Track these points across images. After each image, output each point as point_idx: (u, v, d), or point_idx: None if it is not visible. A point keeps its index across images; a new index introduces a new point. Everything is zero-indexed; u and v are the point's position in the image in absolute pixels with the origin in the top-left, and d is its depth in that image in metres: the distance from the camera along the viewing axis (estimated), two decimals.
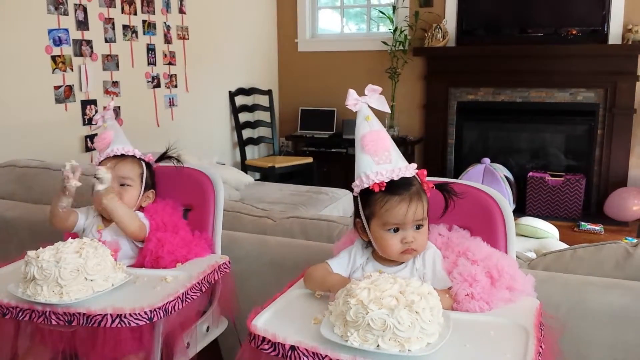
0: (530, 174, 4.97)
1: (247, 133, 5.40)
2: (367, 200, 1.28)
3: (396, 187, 1.26)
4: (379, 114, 1.32)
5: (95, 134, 1.77)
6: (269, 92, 5.47)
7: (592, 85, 4.85)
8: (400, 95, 5.33)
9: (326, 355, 1.05)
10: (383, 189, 1.25)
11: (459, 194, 1.35)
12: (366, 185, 1.27)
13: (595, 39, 4.78)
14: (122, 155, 1.69)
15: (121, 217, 1.57)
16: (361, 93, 1.32)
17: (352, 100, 1.30)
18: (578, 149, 5.09)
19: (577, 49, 4.79)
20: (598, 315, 1.42)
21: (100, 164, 1.67)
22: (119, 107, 4.01)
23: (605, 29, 4.73)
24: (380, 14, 5.48)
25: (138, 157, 1.72)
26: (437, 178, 1.42)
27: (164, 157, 1.77)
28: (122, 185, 1.66)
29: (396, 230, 1.27)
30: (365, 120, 1.31)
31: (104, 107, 1.76)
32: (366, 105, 1.30)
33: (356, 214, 1.33)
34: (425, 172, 1.33)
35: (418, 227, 1.28)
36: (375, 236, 1.29)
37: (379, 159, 1.27)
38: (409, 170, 1.29)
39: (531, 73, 4.95)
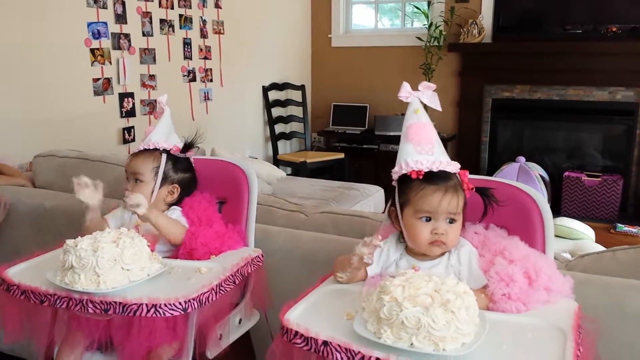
0: (566, 173, 4.88)
1: (279, 128, 5.42)
2: (404, 187, 1.30)
3: (434, 177, 1.27)
4: (440, 110, 1.34)
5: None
6: (301, 87, 5.48)
7: (631, 84, 4.73)
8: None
9: (359, 352, 1.04)
10: (421, 177, 1.27)
11: (499, 202, 1.34)
12: (404, 172, 1.29)
13: (635, 36, 4.64)
14: (145, 150, 1.67)
15: (166, 232, 1.56)
16: (395, 89, 1.34)
17: (405, 92, 1.32)
18: (616, 149, 4.97)
19: (617, 46, 4.67)
20: (638, 320, 1.38)
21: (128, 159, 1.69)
22: (156, 100, 4.05)
23: None
24: (415, 10, 5.43)
25: (160, 149, 1.67)
26: (479, 176, 1.42)
27: (187, 147, 1.74)
28: (136, 180, 1.65)
29: (428, 219, 1.27)
30: (415, 112, 1.32)
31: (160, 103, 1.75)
32: (417, 99, 1.32)
33: (392, 202, 1.34)
34: (467, 172, 1.33)
35: (451, 221, 1.27)
36: (406, 224, 1.30)
37: (421, 149, 1.29)
38: (451, 166, 1.30)
39: (569, 71, 4.84)
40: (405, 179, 1.29)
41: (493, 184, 1.39)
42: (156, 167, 1.66)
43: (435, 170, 1.27)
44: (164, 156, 1.68)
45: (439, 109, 1.32)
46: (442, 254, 1.31)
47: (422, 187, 1.27)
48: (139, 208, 1.50)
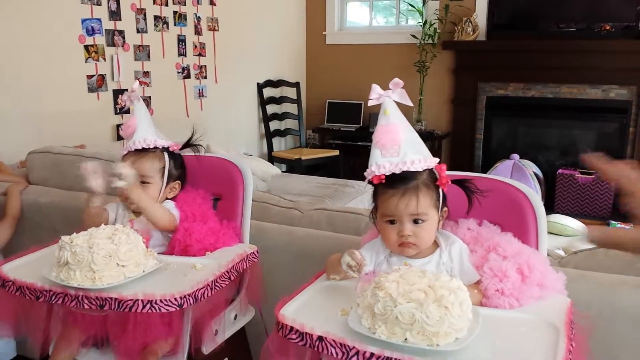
0: (560, 171, 4.90)
1: (274, 125, 5.42)
2: (375, 192, 1.33)
3: (393, 181, 1.27)
4: (406, 108, 1.31)
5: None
6: (296, 85, 5.48)
7: (625, 82, 4.76)
8: (429, 89, 5.28)
9: (354, 347, 1.05)
10: (383, 181, 1.27)
11: (481, 192, 1.34)
12: (369, 176, 1.30)
13: (628, 34, 4.67)
14: (144, 149, 1.65)
15: (149, 211, 1.57)
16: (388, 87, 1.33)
17: (376, 94, 1.31)
18: (609, 147, 4.98)
19: (611, 44, 4.69)
20: (630, 315, 1.40)
21: (122, 158, 1.65)
22: (150, 97, 4.06)
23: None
24: (410, 7, 5.44)
25: (160, 148, 1.67)
26: (461, 172, 1.41)
27: (188, 144, 1.75)
28: (142, 182, 1.63)
29: (393, 222, 1.29)
30: (384, 114, 1.31)
31: (130, 90, 1.68)
32: (389, 99, 1.30)
33: (371, 203, 1.37)
34: (444, 166, 1.32)
35: (417, 221, 1.27)
36: (379, 227, 1.33)
37: (386, 152, 1.28)
38: (421, 164, 1.27)
39: (563, 69, 4.86)
40: (374, 183, 1.30)
41: (487, 182, 1.40)
42: (162, 167, 1.67)
43: (397, 172, 1.26)
44: (166, 155, 1.68)
45: (410, 104, 1.29)
46: (432, 251, 1.32)
47: (384, 192, 1.28)
48: (122, 181, 1.50)
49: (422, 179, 1.28)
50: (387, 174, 1.26)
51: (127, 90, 3.76)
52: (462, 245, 1.33)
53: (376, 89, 1.31)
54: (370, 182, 1.31)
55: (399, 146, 1.28)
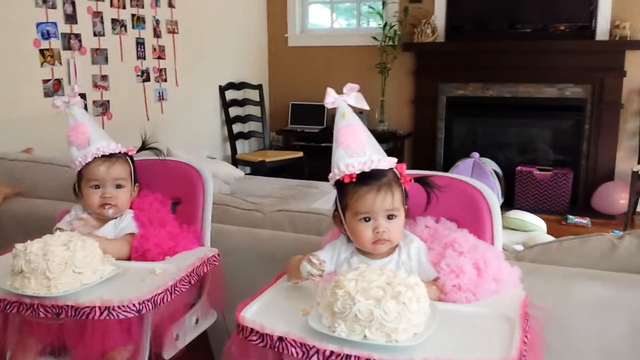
0: (519, 168, 5.01)
1: (237, 127, 5.39)
2: (342, 192, 1.32)
3: (366, 178, 1.28)
4: (368, 108, 1.34)
5: None
6: (259, 87, 5.46)
7: (579, 81, 4.89)
8: (390, 90, 5.34)
9: (313, 346, 1.06)
10: (354, 180, 1.28)
11: (440, 187, 1.36)
12: (338, 177, 1.31)
13: (583, 35, 4.81)
14: (111, 155, 1.63)
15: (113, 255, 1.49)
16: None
17: (331, 98, 1.33)
18: (566, 144, 5.13)
19: (565, 44, 4.82)
20: (583, 306, 1.44)
21: (87, 165, 1.61)
22: (108, 100, 3.99)
23: (593, 25, 4.76)
24: (370, 10, 5.48)
25: (123, 153, 1.66)
26: (419, 171, 1.43)
27: (143, 148, 1.73)
28: (118, 187, 1.62)
29: (368, 220, 1.29)
30: (343, 116, 1.33)
31: (69, 94, 1.64)
32: (344, 102, 1.32)
33: (335, 207, 1.36)
34: (404, 165, 1.35)
35: (390, 217, 1.29)
36: (349, 227, 1.32)
37: (352, 152, 1.30)
38: (384, 163, 1.31)
39: (520, 68, 4.98)
40: (341, 184, 1.31)
41: (444, 180, 1.42)
42: (130, 171, 1.66)
43: (367, 170, 1.29)
44: (129, 159, 1.68)
45: (367, 107, 1.32)
46: (392, 251, 1.33)
47: (357, 190, 1.29)
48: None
49: (391, 176, 1.30)
50: (358, 172, 1.28)
51: (84, 94, 3.73)
52: (420, 244, 1.35)
53: (331, 93, 1.33)
54: (338, 183, 1.32)
55: (363, 145, 1.31)
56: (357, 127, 1.32)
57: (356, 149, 1.30)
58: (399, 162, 1.35)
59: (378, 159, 1.30)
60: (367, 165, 1.29)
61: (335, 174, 1.32)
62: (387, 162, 1.31)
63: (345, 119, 1.32)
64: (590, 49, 4.82)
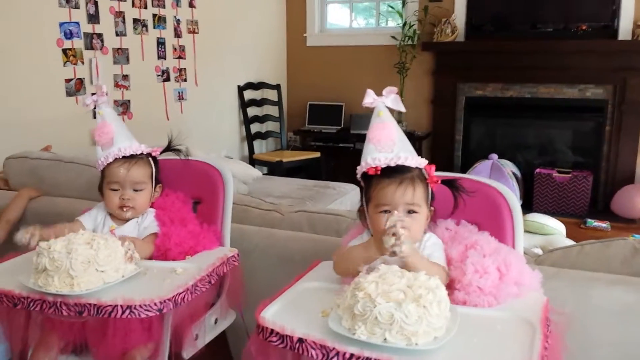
0: (538, 170, 4.96)
1: (255, 127, 5.41)
2: (367, 185, 1.34)
3: (390, 172, 1.30)
4: (404, 111, 1.37)
5: None
6: (277, 87, 5.47)
7: (601, 82, 4.83)
8: (409, 90, 5.32)
9: (333, 348, 1.06)
10: (379, 172, 1.30)
11: (469, 192, 1.36)
12: (364, 169, 1.32)
13: (605, 34, 4.75)
14: (132, 156, 1.64)
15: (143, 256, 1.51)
16: (371, 88, 1.37)
17: (370, 99, 1.35)
18: (586, 146, 5.07)
19: (587, 44, 4.76)
20: (604, 312, 1.42)
21: (108, 165, 1.63)
22: (129, 100, 4.03)
23: (615, 24, 4.70)
24: (389, 9, 5.47)
25: (146, 154, 1.68)
26: (447, 173, 1.43)
27: (168, 149, 1.75)
28: (136, 190, 1.63)
29: (387, 212, 1.30)
30: (378, 115, 1.35)
31: (93, 93, 1.64)
32: (382, 103, 1.34)
33: (361, 201, 1.38)
34: (433, 167, 1.36)
35: (410, 212, 1.30)
36: (370, 220, 1.33)
37: (381, 147, 1.32)
38: (411, 161, 1.32)
39: (540, 69, 4.92)
40: (368, 177, 1.33)
41: (464, 181, 1.42)
42: (151, 173, 1.67)
43: (392, 165, 1.30)
44: (151, 160, 1.69)
45: (403, 109, 1.34)
46: None
47: (380, 182, 1.30)
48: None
49: (416, 173, 1.32)
50: (383, 166, 1.30)
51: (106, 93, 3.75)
52: (437, 240, 1.37)
53: (371, 94, 1.35)
54: (364, 175, 1.34)
55: (393, 142, 1.32)
56: (390, 125, 1.34)
57: (385, 145, 1.32)
58: None
59: (405, 156, 1.32)
60: (394, 161, 1.31)
61: (362, 167, 1.34)
62: (415, 161, 1.32)
63: (380, 117, 1.35)
64: (612, 49, 4.75)
